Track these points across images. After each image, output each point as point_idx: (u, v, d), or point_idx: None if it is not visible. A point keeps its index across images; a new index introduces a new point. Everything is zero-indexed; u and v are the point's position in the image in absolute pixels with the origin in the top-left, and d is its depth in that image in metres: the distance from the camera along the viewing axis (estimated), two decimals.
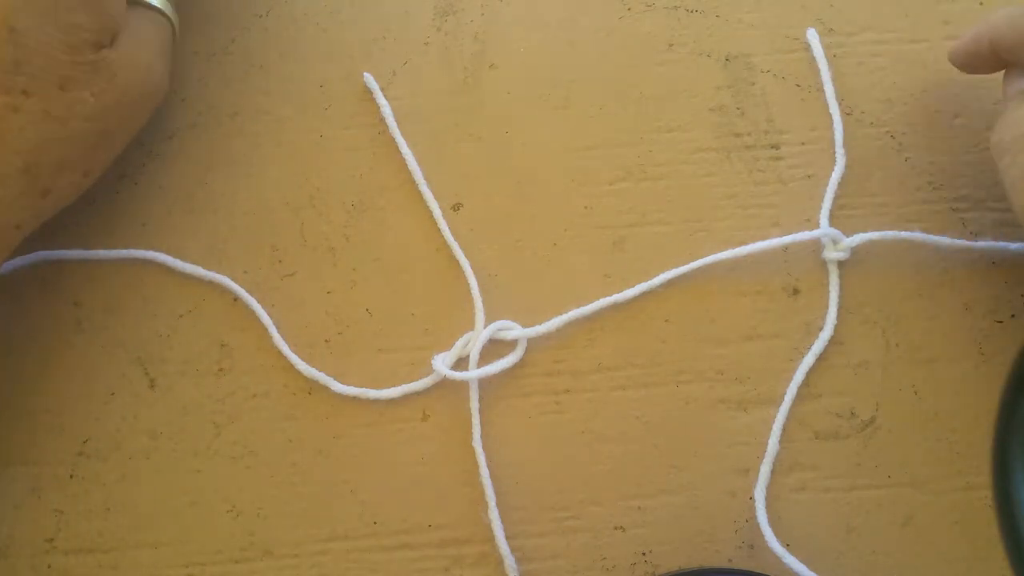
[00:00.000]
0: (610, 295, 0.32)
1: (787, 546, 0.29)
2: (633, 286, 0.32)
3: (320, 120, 0.34)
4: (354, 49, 0.35)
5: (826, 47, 0.34)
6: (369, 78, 0.34)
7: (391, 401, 0.31)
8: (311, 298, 0.32)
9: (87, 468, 0.31)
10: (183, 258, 0.32)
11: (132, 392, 0.32)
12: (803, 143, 0.33)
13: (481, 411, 0.31)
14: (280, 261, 0.33)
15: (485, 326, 0.31)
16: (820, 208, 0.32)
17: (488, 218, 0.33)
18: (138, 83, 0.29)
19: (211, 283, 0.32)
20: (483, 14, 0.35)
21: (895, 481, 0.30)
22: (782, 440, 0.30)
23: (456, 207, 0.33)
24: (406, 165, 0.33)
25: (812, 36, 0.34)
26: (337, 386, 0.31)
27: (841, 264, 0.32)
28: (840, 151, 0.33)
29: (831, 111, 0.33)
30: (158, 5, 0.30)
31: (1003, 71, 0.31)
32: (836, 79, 0.34)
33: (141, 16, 0.30)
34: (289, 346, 0.32)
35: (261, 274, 0.33)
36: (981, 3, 0.34)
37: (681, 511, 0.30)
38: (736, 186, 0.33)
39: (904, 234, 0.31)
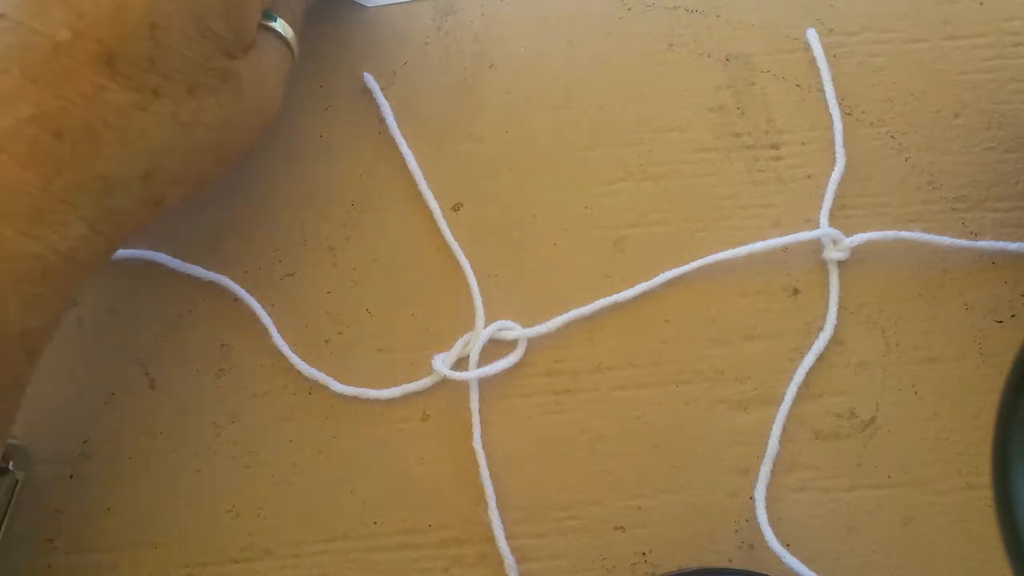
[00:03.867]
0: (610, 295, 0.32)
1: (787, 546, 0.29)
2: (633, 286, 0.32)
3: (320, 120, 0.34)
4: (354, 49, 0.35)
5: (826, 47, 0.34)
6: (369, 78, 0.34)
7: (391, 401, 0.31)
8: (311, 298, 0.32)
9: (87, 468, 0.31)
10: (183, 258, 0.32)
11: (132, 392, 0.32)
12: (803, 143, 0.33)
13: (481, 411, 0.31)
14: (280, 261, 0.33)
15: (485, 326, 0.31)
16: (820, 208, 0.32)
17: (488, 218, 0.33)
18: (260, 100, 0.28)
19: (211, 283, 0.32)
20: (483, 14, 0.35)
21: (895, 481, 0.30)
22: (782, 440, 0.30)
23: (456, 207, 0.33)
24: (406, 165, 0.33)
25: (812, 36, 0.34)
26: (337, 386, 0.31)
27: (841, 264, 0.32)
28: (840, 151, 0.33)
29: (831, 111, 0.33)
30: (287, 36, 0.30)
31: None
32: (836, 79, 0.34)
33: (270, 39, 0.29)
34: (289, 346, 0.32)
35: (261, 274, 0.33)
36: (981, 3, 0.34)
37: (681, 511, 0.30)
38: (736, 186, 0.33)
39: (904, 234, 0.31)
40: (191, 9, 0.25)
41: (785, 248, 0.32)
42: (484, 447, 0.30)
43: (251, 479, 0.31)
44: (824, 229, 0.32)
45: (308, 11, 0.32)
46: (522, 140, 0.34)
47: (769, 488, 0.30)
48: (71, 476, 0.31)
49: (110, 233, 0.26)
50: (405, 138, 0.33)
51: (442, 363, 0.31)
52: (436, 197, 0.33)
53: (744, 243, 0.32)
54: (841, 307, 0.31)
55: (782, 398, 0.31)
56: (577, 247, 0.33)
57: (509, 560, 0.30)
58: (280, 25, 0.30)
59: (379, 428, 0.31)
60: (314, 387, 0.31)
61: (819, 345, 0.31)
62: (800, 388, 0.31)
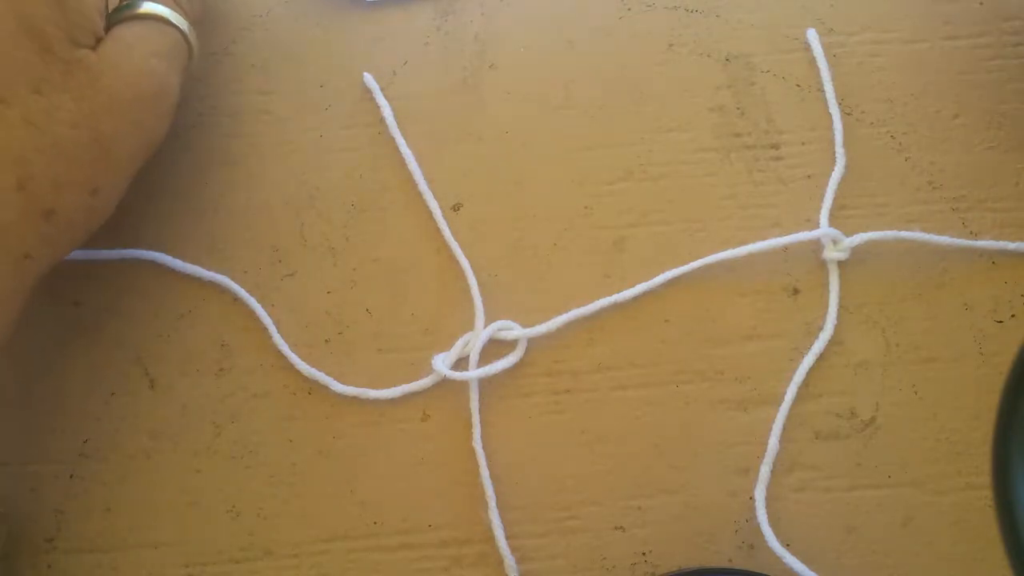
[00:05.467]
0: (610, 295, 0.32)
1: (787, 546, 0.29)
2: (633, 286, 0.32)
3: (320, 120, 0.34)
4: (354, 49, 0.35)
5: (826, 47, 0.34)
6: (369, 78, 0.34)
7: (391, 401, 0.31)
8: (311, 298, 0.32)
9: (87, 468, 0.31)
10: (183, 258, 0.32)
11: (132, 392, 0.32)
12: (803, 143, 0.33)
13: (481, 411, 0.31)
14: (280, 261, 0.33)
15: (485, 326, 0.31)
16: (820, 208, 0.32)
17: (488, 218, 0.33)
18: (131, 86, 0.27)
19: (211, 283, 0.32)
20: (483, 14, 0.35)
21: (895, 481, 0.30)
22: (782, 440, 0.30)
23: (456, 207, 0.33)
24: (406, 165, 0.33)
25: (812, 36, 0.34)
26: (337, 386, 0.31)
27: (841, 264, 0.32)
28: (840, 151, 0.33)
29: (831, 111, 0.33)
30: (162, 14, 0.29)
31: None
32: (836, 79, 0.34)
33: (141, 24, 0.29)
34: (289, 346, 0.32)
35: (261, 274, 0.33)
36: (981, 3, 0.34)
37: (681, 511, 0.30)
38: (736, 186, 0.33)
39: (904, 234, 0.31)
40: (6, 5, 0.25)
41: (785, 248, 0.32)
42: (484, 447, 0.30)
43: (251, 479, 0.31)
44: (824, 229, 0.32)
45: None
46: (522, 140, 0.34)
47: (769, 488, 0.30)
48: (71, 476, 0.31)
49: None
50: (405, 138, 0.33)
51: (442, 363, 0.31)
52: (436, 197, 0.33)
53: (744, 243, 0.32)
54: (841, 307, 0.31)
55: (782, 398, 0.31)
56: (577, 247, 0.33)
57: (509, 560, 0.29)
58: (147, 6, 0.29)
59: (379, 428, 0.31)
60: (314, 387, 0.31)
61: (819, 345, 0.31)
62: (800, 388, 0.31)
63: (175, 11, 0.30)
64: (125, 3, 0.29)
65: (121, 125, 0.27)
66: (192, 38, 0.30)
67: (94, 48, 0.27)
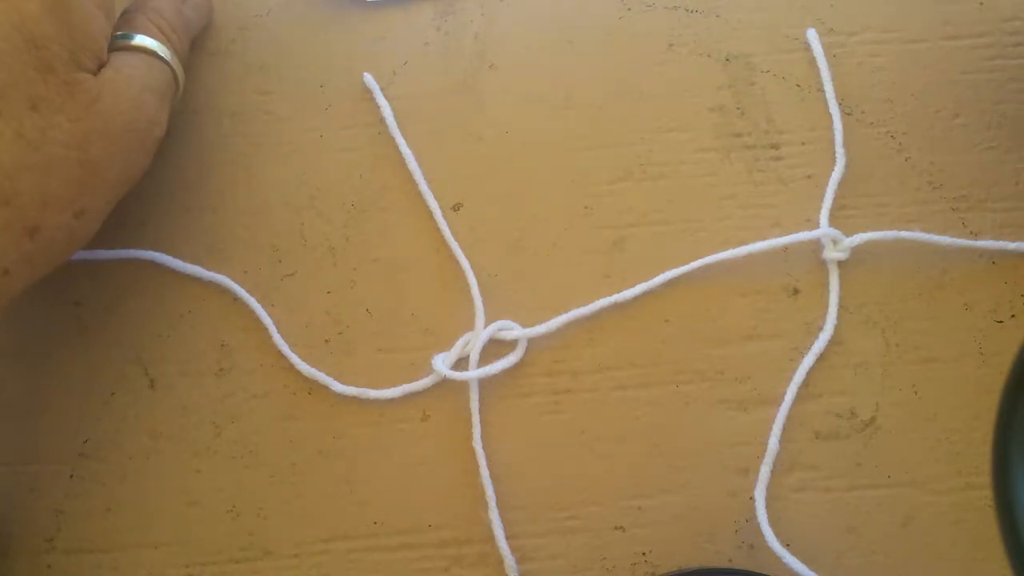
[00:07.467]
0: (610, 295, 0.32)
1: (787, 546, 0.29)
2: (633, 286, 0.32)
3: (320, 120, 0.34)
4: (354, 49, 0.35)
5: (826, 47, 0.34)
6: (369, 78, 0.34)
7: (391, 401, 0.31)
8: (311, 298, 0.32)
9: (87, 468, 0.31)
10: (183, 258, 0.32)
11: (132, 392, 0.32)
12: (803, 143, 0.33)
13: (481, 411, 0.31)
14: (280, 261, 0.33)
15: (485, 326, 0.31)
16: (820, 208, 0.32)
17: (488, 218, 0.33)
18: (124, 114, 0.27)
19: (211, 283, 0.32)
20: (483, 14, 0.35)
21: (895, 481, 0.30)
22: (782, 440, 0.30)
23: (456, 207, 0.33)
24: (406, 165, 0.33)
25: (812, 36, 0.34)
26: (337, 386, 0.31)
27: (841, 264, 0.32)
28: (840, 151, 0.33)
29: (831, 111, 0.33)
30: (154, 49, 0.30)
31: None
32: (836, 79, 0.34)
33: (136, 56, 0.29)
34: (289, 346, 0.32)
35: (261, 274, 0.33)
36: (981, 3, 0.34)
37: (681, 511, 0.30)
38: (736, 186, 0.33)
39: (904, 234, 0.31)
40: (12, 19, 0.25)
41: (785, 248, 0.32)
42: (484, 447, 0.30)
43: (251, 479, 0.31)
44: (824, 229, 0.32)
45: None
46: (522, 140, 0.34)
47: (769, 488, 0.30)
48: (71, 476, 0.31)
49: None
50: (405, 138, 0.33)
51: (442, 363, 0.31)
52: (436, 197, 0.33)
53: (744, 243, 0.32)
54: (841, 307, 0.31)
55: (782, 398, 0.31)
56: (577, 247, 0.33)
57: (509, 560, 0.30)
58: (140, 39, 0.29)
59: (379, 428, 0.31)
60: (314, 387, 0.31)
61: (819, 345, 0.31)
62: (800, 388, 0.31)
63: (165, 46, 0.30)
64: (120, 32, 0.30)
65: (110, 151, 0.27)
66: (179, 73, 0.31)
67: (95, 73, 0.27)
